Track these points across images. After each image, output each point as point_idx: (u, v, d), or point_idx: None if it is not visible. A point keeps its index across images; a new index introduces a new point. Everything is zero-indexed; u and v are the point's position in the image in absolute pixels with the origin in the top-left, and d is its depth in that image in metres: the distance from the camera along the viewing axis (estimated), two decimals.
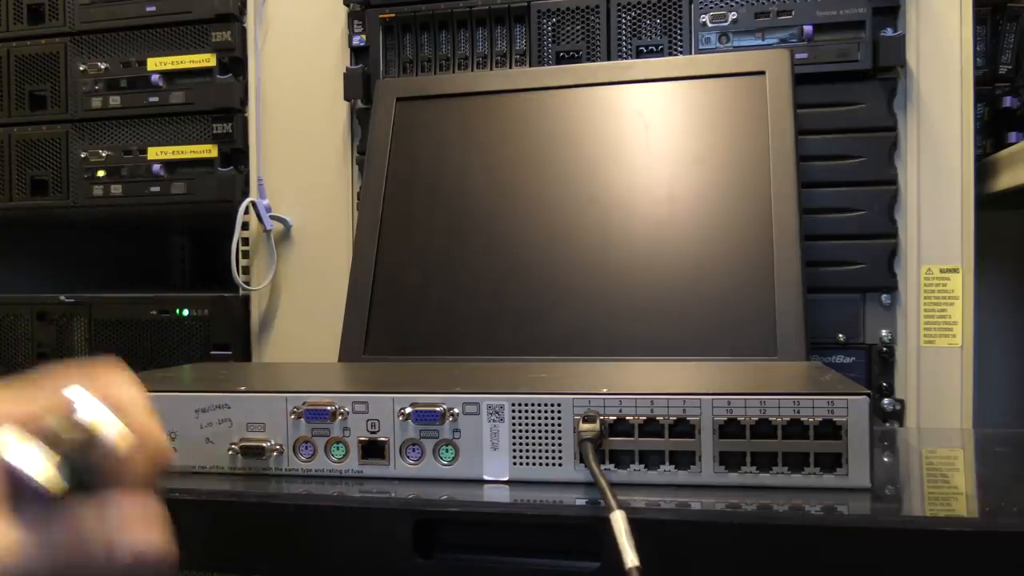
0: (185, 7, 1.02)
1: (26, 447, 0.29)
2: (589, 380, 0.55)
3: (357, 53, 0.98)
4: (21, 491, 0.29)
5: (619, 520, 0.38)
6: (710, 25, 0.88)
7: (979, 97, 0.91)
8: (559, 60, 0.91)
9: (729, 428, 0.44)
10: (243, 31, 1.02)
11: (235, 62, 1.02)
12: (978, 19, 0.91)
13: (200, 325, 1.02)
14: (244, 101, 1.02)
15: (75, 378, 0.31)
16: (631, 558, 0.36)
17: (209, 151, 1.02)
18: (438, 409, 0.46)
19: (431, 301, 0.79)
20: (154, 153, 1.04)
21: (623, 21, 0.90)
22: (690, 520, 0.41)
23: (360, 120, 0.98)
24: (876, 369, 0.85)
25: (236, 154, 1.02)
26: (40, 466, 0.29)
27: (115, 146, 1.06)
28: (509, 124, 0.84)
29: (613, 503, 0.39)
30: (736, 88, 0.80)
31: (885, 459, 0.55)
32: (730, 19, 0.87)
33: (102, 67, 1.05)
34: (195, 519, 0.46)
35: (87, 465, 0.30)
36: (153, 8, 1.03)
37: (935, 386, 0.84)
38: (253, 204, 1.00)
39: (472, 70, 0.94)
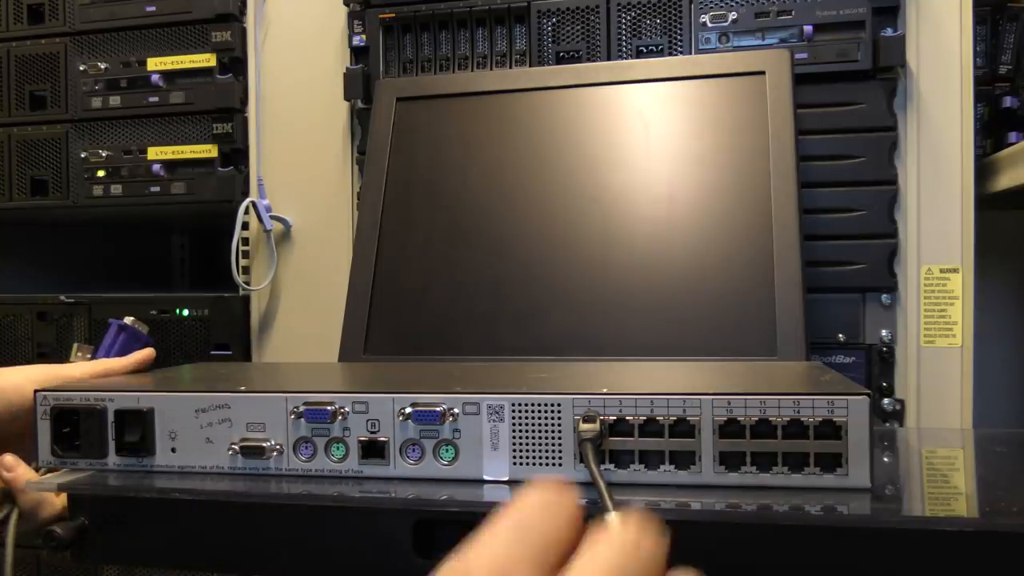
0: (185, 7, 1.02)
1: None
2: (589, 380, 0.54)
3: (357, 53, 0.99)
4: None
5: None
6: (710, 25, 0.88)
7: (979, 97, 0.91)
8: (559, 60, 0.91)
9: (729, 428, 0.44)
10: (243, 31, 1.02)
11: (235, 62, 1.02)
12: (978, 19, 0.91)
13: (200, 325, 1.02)
14: (244, 101, 1.02)
15: None
16: None
17: (209, 151, 1.02)
18: (438, 409, 0.46)
19: (431, 301, 0.78)
20: (154, 153, 1.04)
21: (623, 21, 0.90)
22: (690, 520, 0.41)
23: (360, 120, 0.98)
24: (876, 369, 0.85)
25: (236, 154, 1.02)
26: None
27: (115, 146, 1.06)
28: (509, 124, 0.84)
29: (611, 507, 0.39)
30: (736, 88, 0.80)
31: (885, 459, 0.55)
32: (730, 19, 0.87)
33: (102, 67, 1.05)
34: (195, 519, 0.46)
35: None
36: (153, 8, 1.03)
37: (935, 386, 0.84)
38: (253, 204, 1.00)
39: (472, 70, 0.94)
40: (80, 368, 0.58)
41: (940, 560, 0.37)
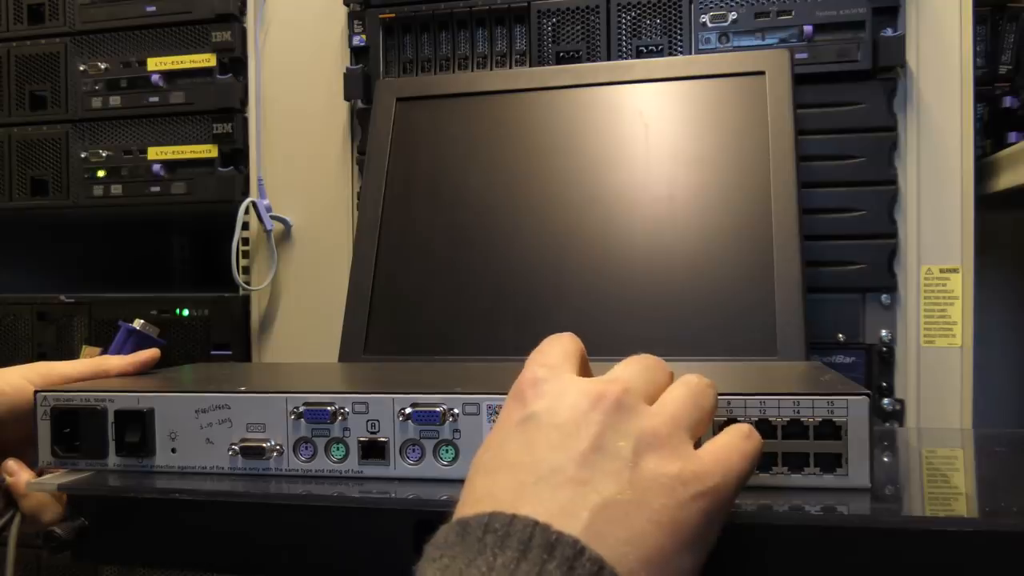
0: (185, 7, 1.02)
1: None
2: None
3: (357, 53, 0.99)
4: None
5: None
6: (710, 25, 0.88)
7: (979, 97, 0.91)
8: (559, 60, 0.91)
9: None
10: (243, 31, 1.02)
11: (235, 62, 1.02)
12: (978, 19, 0.90)
13: (200, 325, 1.02)
14: (244, 101, 1.02)
15: None
16: None
17: (209, 151, 1.03)
18: (438, 409, 0.46)
19: (431, 301, 0.79)
20: (154, 153, 1.04)
21: (623, 21, 0.90)
22: None
23: (360, 120, 0.98)
24: (876, 369, 0.85)
25: (236, 154, 1.03)
26: None
27: (115, 146, 1.06)
28: (509, 124, 0.84)
29: None
30: (736, 88, 0.80)
31: (885, 459, 0.55)
32: (730, 19, 0.87)
33: (102, 67, 1.05)
34: (195, 519, 0.46)
35: None
36: (153, 8, 1.03)
37: (935, 386, 0.84)
38: (253, 204, 1.00)
39: (472, 70, 0.94)
40: (77, 366, 0.58)
41: (940, 560, 0.37)
